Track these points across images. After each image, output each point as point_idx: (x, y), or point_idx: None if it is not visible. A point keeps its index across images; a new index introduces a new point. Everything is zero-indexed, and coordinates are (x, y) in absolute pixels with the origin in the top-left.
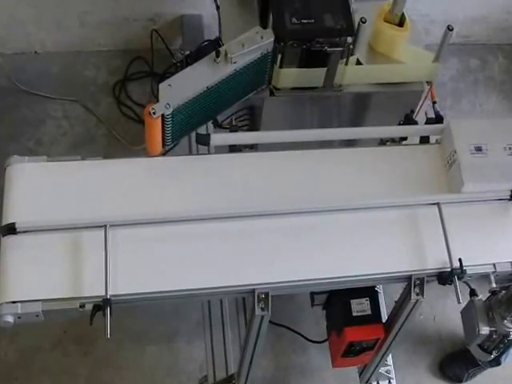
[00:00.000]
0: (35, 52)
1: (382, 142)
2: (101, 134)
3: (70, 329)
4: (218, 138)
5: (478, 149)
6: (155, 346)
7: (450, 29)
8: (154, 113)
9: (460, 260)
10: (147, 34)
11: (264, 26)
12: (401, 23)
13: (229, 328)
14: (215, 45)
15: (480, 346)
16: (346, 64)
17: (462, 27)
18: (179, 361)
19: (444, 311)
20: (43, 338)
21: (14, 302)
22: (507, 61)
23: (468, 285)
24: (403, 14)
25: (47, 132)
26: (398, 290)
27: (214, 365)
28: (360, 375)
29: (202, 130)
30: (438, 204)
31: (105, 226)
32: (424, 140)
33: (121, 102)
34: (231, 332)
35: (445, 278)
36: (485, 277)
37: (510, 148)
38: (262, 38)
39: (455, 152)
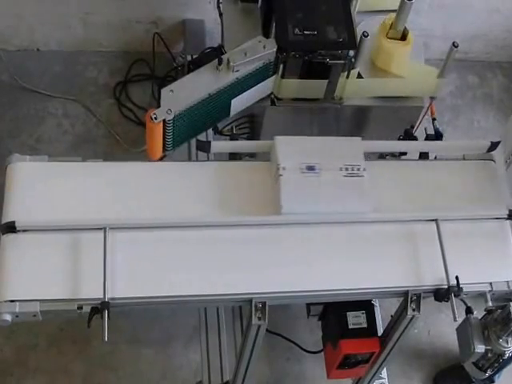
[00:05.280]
0: (37, 49)
1: (382, 156)
2: (101, 134)
3: (67, 327)
4: (219, 146)
5: None
6: (151, 349)
7: (455, 45)
8: (155, 118)
9: (457, 277)
10: (149, 37)
11: (266, 35)
12: (403, 38)
13: (225, 334)
14: (218, 52)
15: (475, 363)
16: (348, 77)
17: (462, 43)
18: (174, 365)
19: (438, 326)
20: (39, 336)
21: (12, 301)
22: (506, 79)
23: (464, 302)
24: (405, 28)
25: (47, 130)
26: (394, 303)
27: (210, 370)
28: None
29: (201, 137)
30: (436, 220)
31: (104, 228)
32: (423, 156)
33: (121, 103)
34: (227, 338)
35: (441, 294)
36: (481, 295)
37: None
38: (264, 47)
39: None
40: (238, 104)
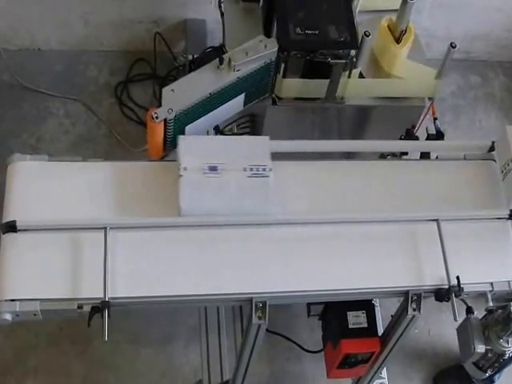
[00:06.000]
0: (39, 49)
1: (383, 156)
2: (102, 134)
3: (67, 327)
4: None
5: None
6: (151, 349)
7: (453, 46)
8: (156, 117)
9: (458, 277)
10: (150, 37)
11: (267, 34)
12: (404, 38)
13: (225, 333)
14: (219, 51)
15: (475, 363)
16: (349, 77)
17: (463, 43)
18: (174, 364)
19: (439, 325)
20: (39, 335)
21: (12, 300)
22: (508, 78)
23: (465, 302)
24: (407, 29)
25: (48, 130)
26: (394, 303)
27: (209, 370)
28: None
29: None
30: (437, 220)
31: (105, 228)
32: (425, 156)
33: (122, 103)
34: (227, 337)
35: (442, 294)
36: (482, 295)
37: None
38: (265, 47)
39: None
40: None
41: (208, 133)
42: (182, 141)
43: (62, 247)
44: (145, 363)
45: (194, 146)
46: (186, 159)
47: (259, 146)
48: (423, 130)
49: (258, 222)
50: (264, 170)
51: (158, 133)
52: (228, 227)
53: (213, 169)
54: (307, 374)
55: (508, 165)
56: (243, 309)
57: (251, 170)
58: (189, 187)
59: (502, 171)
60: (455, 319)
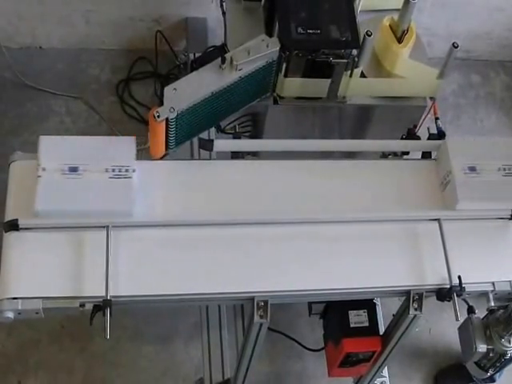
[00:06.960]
0: (40, 47)
1: (384, 156)
2: (103, 132)
3: (68, 324)
4: (222, 144)
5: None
6: (152, 346)
7: (455, 46)
8: (158, 116)
9: (459, 277)
10: (152, 35)
11: (269, 33)
12: (405, 38)
13: (226, 331)
14: (221, 51)
15: (476, 363)
16: (351, 76)
17: (465, 42)
18: (175, 362)
19: (440, 324)
20: (41, 332)
21: (14, 299)
22: (509, 78)
23: (466, 302)
24: (408, 28)
25: (50, 127)
26: (395, 302)
27: (211, 367)
28: None
29: (204, 135)
30: (438, 220)
31: (107, 226)
32: (426, 155)
33: (124, 101)
34: (228, 335)
35: (444, 294)
36: (483, 294)
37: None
38: (267, 46)
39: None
40: None
41: (209, 133)
42: (43, 140)
43: (63, 246)
44: (146, 360)
45: (55, 146)
46: (45, 160)
47: (124, 146)
48: (424, 129)
49: (258, 221)
50: (127, 170)
51: (159, 132)
52: (227, 227)
53: (73, 170)
54: (308, 373)
55: (448, 176)
56: (245, 307)
57: (113, 170)
58: (46, 189)
59: (442, 182)
60: (457, 319)
